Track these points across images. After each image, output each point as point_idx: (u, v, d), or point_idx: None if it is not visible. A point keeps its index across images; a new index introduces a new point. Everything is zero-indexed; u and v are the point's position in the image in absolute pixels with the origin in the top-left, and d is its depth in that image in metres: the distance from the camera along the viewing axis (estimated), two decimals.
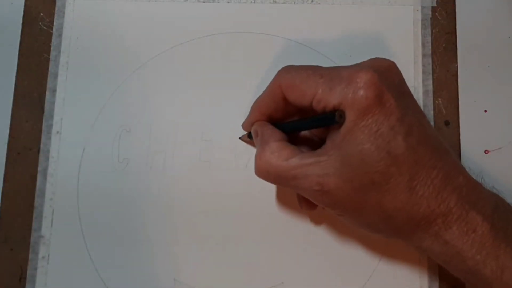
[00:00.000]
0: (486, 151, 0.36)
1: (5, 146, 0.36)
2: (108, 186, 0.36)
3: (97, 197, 0.36)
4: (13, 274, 0.35)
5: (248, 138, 0.35)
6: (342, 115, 0.28)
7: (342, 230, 0.35)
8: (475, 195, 0.29)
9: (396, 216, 0.28)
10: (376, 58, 0.30)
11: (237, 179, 0.36)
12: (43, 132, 0.36)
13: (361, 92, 0.27)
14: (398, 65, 0.38)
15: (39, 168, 0.36)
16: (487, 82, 0.37)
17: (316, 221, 0.35)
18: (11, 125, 0.37)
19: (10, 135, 0.36)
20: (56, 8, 0.38)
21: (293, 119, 0.33)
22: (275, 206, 0.35)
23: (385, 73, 0.28)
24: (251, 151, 0.36)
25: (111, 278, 0.35)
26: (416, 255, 0.35)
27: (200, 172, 0.36)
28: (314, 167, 0.28)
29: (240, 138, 0.36)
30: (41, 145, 0.36)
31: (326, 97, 0.28)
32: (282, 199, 0.35)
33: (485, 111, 0.37)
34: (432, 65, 0.37)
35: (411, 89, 0.36)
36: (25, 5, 0.38)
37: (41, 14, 0.38)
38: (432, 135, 0.29)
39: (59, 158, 0.36)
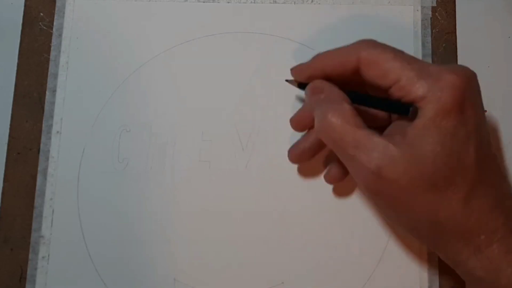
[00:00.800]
0: None
1: (5, 146, 0.36)
2: (108, 186, 0.36)
3: (97, 197, 0.36)
4: (13, 274, 0.35)
5: (298, 87, 0.33)
6: (416, 112, 0.27)
7: (342, 230, 0.35)
8: None
9: (444, 224, 0.28)
10: (460, 65, 0.29)
11: (237, 179, 0.36)
12: (43, 132, 0.36)
13: (448, 93, 0.27)
14: None
15: (39, 168, 0.36)
16: (487, 82, 0.37)
17: (339, 193, 0.35)
18: (11, 125, 0.37)
19: (10, 135, 0.36)
20: (56, 8, 0.38)
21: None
22: (275, 206, 0.35)
23: (470, 82, 0.28)
24: (251, 151, 0.36)
25: (111, 278, 0.35)
26: (416, 255, 0.35)
27: (200, 172, 0.36)
28: (380, 148, 0.27)
29: (287, 80, 0.34)
30: (41, 145, 0.36)
31: (410, 86, 0.28)
32: (282, 199, 0.35)
33: (485, 111, 0.37)
34: None
35: None
36: (25, 5, 0.38)
37: (41, 14, 0.38)
38: (494, 155, 0.29)
39: (59, 158, 0.36)
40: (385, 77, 0.28)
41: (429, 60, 0.37)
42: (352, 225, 0.35)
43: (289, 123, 0.35)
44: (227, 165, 0.36)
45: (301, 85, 0.33)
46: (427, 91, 0.27)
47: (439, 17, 0.38)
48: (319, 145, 0.33)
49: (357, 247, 0.35)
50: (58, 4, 0.38)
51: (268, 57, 0.37)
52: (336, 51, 0.31)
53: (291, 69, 0.34)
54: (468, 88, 0.28)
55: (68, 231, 0.35)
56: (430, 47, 0.38)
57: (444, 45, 0.38)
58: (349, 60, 0.30)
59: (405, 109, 0.28)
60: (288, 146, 0.35)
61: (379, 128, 0.30)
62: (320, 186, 0.35)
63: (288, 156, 0.35)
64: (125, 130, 0.37)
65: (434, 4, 0.38)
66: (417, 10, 0.38)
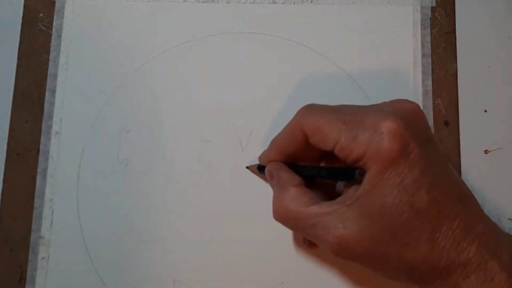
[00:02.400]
0: (486, 151, 0.36)
1: (5, 147, 0.36)
2: (108, 187, 0.36)
3: (97, 198, 0.35)
4: (13, 274, 0.35)
5: (258, 170, 0.34)
6: (362, 175, 0.27)
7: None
8: (494, 242, 0.28)
9: (417, 267, 0.28)
10: (400, 100, 0.29)
11: (237, 179, 0.36)
12: (42, 133, 0.36)
13: (386, 144, 0.26)
14: (398, 66, 0.38)
15: (39, 169, 0.36)
16: (487, 82, 0.37)
17: (318, 256, 0.35)
18: (10, 125, 0.37)
19: (9, 135, 0.36)
20: (56, 9, 0.38)
21: (314, 159, 0.32)
22: None
23: (410, 120, 0.27)
24: (251, 151, 0.36)
25: (111, 279, 0.34)
26: None
27: (200, 172, 0.36)
28: (333, 217, 0.27)
29: (247, 167, 0.36)
30: (41, 146, 0.36)
31: (349, 146, 0.27)
32: None
33: (485, 111, 0.37)
34: (431, 65, 0.37)
35: (411, 90, 0.37)
36: (24, 6, 0.38)
37: (41, 14, 0.38)
38: (456, 185, 0.29)
39: (59, 158, 0.36)
40: (326, 141, 0.28)
41: (429, 60, 0.37)
42: None
43: None
44: (227, 165, 0.36)
45: (260, 168, 0.34)
46: (365, 148, 0.27)
47: (438, 17, 0.38)
48: None
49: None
50: (57, 4, 0.38)
51: (268, 57, 0.37)
52: (284, 130, 0.32)
53: (259, 157, 0.34)
54: (409, 127, 0.27)
55: (67, 232, 0.35)
56: (429, 47, 0.38)
57: (443, 45, 0.38)
58: (296, 134, 0.30)
59: (351, 174, 0.28)
60: None
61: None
62: None
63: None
64: (124, 130, 0.36)
65: (434, 4, 0.38)
66: (417, 10, 0.38)
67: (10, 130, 0.37)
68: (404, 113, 0.28)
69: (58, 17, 0.38)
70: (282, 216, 0.30)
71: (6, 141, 0.36)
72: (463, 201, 0.28)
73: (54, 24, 0.38)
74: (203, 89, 0.37)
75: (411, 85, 0.37)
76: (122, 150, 0.36)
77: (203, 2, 0.38)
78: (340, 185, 0.32)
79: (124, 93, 0.37)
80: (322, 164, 0.32)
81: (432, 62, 0.38)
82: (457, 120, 0.37)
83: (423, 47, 0.38)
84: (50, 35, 0.38)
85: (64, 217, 0.35)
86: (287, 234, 0.35)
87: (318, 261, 0.35)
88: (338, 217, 0.27)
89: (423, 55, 0.37)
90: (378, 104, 0.30)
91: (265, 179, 0.35)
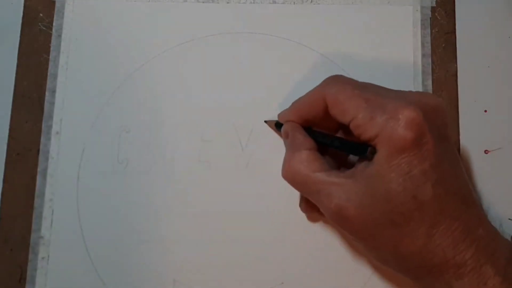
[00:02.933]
0: (486, 151, 0.36)
1: (5, 147, 0.36)
2: (108, 187, 0.36)
3: (97, 198, 0.35)
4: (13, 274, 0.35)
5: (275, 126, 0.35)
6: (374, 153, 0.27)
7: (342, 230, 0.35)
8: (492, 246, 0.28)
9: (409, 259, 0.28)
10: (426, 93, 0.30)
11: (237, 179, 0.36)
12: (42, 133, 0.36)
13: (401, 131, 0.27)
14: (398, 65, 0.38)
15: (39, 169, 0.36)
16: (487, 82, 0.37)
17: (312, 220, 0.35)
18: (10, 125, 0.37)
19: (9, 135, 0.36)
20: (56, 9, 0.38)
21: (331, 128, 0.32)
22: (275, 206, 0.35)
23: (430, 113, 0.28)
24: (251, 151, 0.36)
25: (111, 279, 0.34)
26: None
27: (200, 172, 0.36)
28: (338, 188, 0.28)
29: (265, 121, 0.36)
30: (41, 146, 0.36)
31: (364, 124, 0.28)
32: (282, 199, 0.35)
33: (485, 111, 0.37)
34: (431, 65, 0.37)
35: (411, 90, 0.37)
36: (24, 6, 0.38)
37: (41, 14, 0.38)
38: (463, 185, 0.29)
39: (59, 158, 0.36)
40: (344, 115, 0.29)
41: (429, 60, 0.37)
42: None
43: None
44: (227, 165, 0.36)
45: (277, 125, 0.35)
46: (379, 130, 0.27)
47: (438, 17, 0.38)
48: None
49: (357, 247, 0.35)
50: (57, 4, 0.38)
51: (268, 57, 0.37)
52: (307, 95, 0.32)
53: (278, 114, 0.35)
54: (428, 120, 0.27)
55: (67, 232, 0.35)
56: (429, 47, 0.38)
57: (443, 45, 0.38)
58: (317, 101, 0.31)
59: (363, 150, 0.28)
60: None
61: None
62: None
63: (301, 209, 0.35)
64: (124, 130, 0.36)
65: (434, 4, 0.38)
66: (417, 10, 0.38)
67: (10, 130, 0.37)
68: (426, 105, 0.28)
69: (58, 17, 0.38)
70: (290, 176, 0.31)
71: (6, 141, 0.36)
72: (467, 203, 0.28)
73: (54, 24, 0.38)
74: (203, 89, 0.37)
75: (411, 85, 0.37)
76: (122, 150, 0.36)
77: (203, 2, 0.38)
78: (353, 157, 0.33)
79: (124, 93, 0.37)
80: (338, 135, 0.33)
81: (432, 62, 0.38)
82: (457, 120, 0.37)
83: (423, 47, 0.38)
84: (50, 35, 0.38)
85: (64, 217, 0.35)
86: (287, 234, 0.35)
87: (318, 261, 0.35)
88: (343, 189, 0.28)
89: (423, 55, 0.37)
90: (404, 91, 0.30)
91: (281, 136, 0.35)
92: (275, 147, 0.36)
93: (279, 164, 0.36)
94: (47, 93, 0.37)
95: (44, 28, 0.38)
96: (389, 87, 0.37)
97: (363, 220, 0.28)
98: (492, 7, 0.38)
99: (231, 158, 0.36)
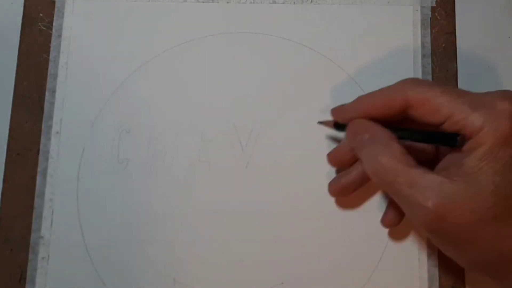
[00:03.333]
0: None
1: (5, 147, 0.36)
2: (108, 187, 0.36)
3: (97, 198, 0.35)
4: (13, 274, 0.35)
5: (334, 126, 0.33)
6: (464, 140, 0.27)
7: (342, 230, 0.35)
8: None
9: (509, 255, 0.27)
10: (508, 91, 0.29)
11: (237, 179, 0.36)
12: (42, 133, 0.36)
13: (504, 121, 0.26)
14: (398, 65, 0.38)
15: (39, 169, 0.36)
16: (487, 82, 0.37)
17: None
18: (10, 125, 0.37)
19: (9, 135, 0.36)
20: (56, 9, 0.38)
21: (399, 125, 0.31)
22: (275, 206, 0.35)
23: None
24: (251, 151, 0.36)
25: (111, 279, 0.34)
26: (415, 255, 0.35)
27: (200, 172, 0.36)
28: (436, 185, 0.27)
29: (320, 122, 0.35)
30: (41, 146, 0.36)
31: (464, 119, 0.27)
32: (282, 199, 0.35)
33: None
34: (431, 65, 0.37)
35: None
36: (24, 6, 0.38)
37: (41, 14, 0.38)
38: None
39: (59, 158, 0.36)
40: (437, 113, 0.28)
41: (429, 60, 0.37)
42: (352, 225, 0.35)
43: (289, 123, 0.36)
44: (227, 165, 0.36)
45: (338, 125, 0.33)
46: (483, 122, 0.27)
47: (438, 17, 0.38)
48: (361, 181, 0.33)
49: (357, 247, 0.35)
50: (57, 4, 0.38)
51: (267, 57, 0.37)
52: (380, 93, 0.31)
53: (332, 110, 0.33)
54: None
55: (67, 232, 0.35)
56: (429, 47, 0.38)
57: (443, 45, 0.38)
58: (395, 101, 0.29)
59: (452, 139, 0.27)
60: (287, 146, 0.35)
61: (426, 163, 0.29)
62: (320, 186, 0.35)
63: (329, 190, 0.34)
64: (124, 130, 0.36)
65: (434, 4, 0.38)
66: (417, 10, 0.38)
67: (10, 130, 0.37)
68: None
69: (58, 17, 0.38)
70: (382, 172, 0.28)
71: (6, 141, 0.36)
72: None
73: (54, 24, 0.38)
74: (203, 89, 0.37)
75: None
76: (122, 150, 0.36)
77: (203, 2, 0.38)
78: (431, 151, 0.32)
79: (124, 93, 0.37)
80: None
81: (432, 62, 0.37)
82: None
83: (423, 47, 0.38)
84: (50, 35, 0.38)
85: (64, 217, 0.35)
86: (287, 234, 0.35)
87: (318, 261, 0.35)
88: (441, 187, 0.27)
89: (423, 55, 0.37)
90: (488, 92, 0.29)
91: (335, 134, 0.34)
92: (275, 147, 0.36)
93: (279, 164, 0.36)
94: (47, 93, 0.37)
95: (44, 28, 0.38)
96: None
97: (462, 219, 0.26)
98: (492, 7, 0.38)
99: (231, 158, 0.36)
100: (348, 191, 0.34)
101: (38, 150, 0.36)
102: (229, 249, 0.35)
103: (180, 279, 0.35)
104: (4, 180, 0.36)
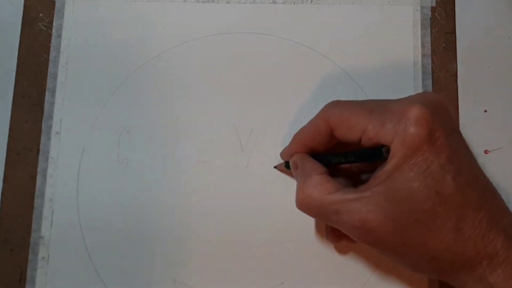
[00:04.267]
0: (486, 151, 0.36)
1: (5, 147, 0.36)
2: (108, 187, 0.36)
3: (97, 198, 0.35)
4: (13, 275, 0.35)
5: (285, 167, 0.35)
6: (388, 151, 0.27)
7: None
8: None
9: (440, 257, 0.28)
10: (426, 92, 0.30)
11: (237, 180, 0.36)
12: (42, 133, 0.36)
13: (413, 129, 0.27)
14: (398, 65, 0.38)
15: (39, 169, 0.36)
16: (487, 82, 0.37)
17: (341, 251, 0.35)
18: (10, 125, 0.37)
19: (9, 135, 0.36)
20: (56, 9, 0.38)
21: (334, 151, 0.32)
22: (275, 207, 0.35)
23: (436, 109, 0.28)
24: (251, 151, 0.36)
25: (111, 279, 0.34)
26: None
27: (200, 172, 0.36)
28: (357, 202, 0.28)
29: (275, 167, 0.36)
30: (41, 146, 0.36)
31: (377, 133, 0.28)
32: (282, 199, 0.35)
33: (485, 111, 0.37)
34: (431, 65, 0.37)
35: (411, 90, 0.37)
36: (24, 6, 0.38)
37: (41, 14, 0.38)
38: (480, 175, 0.29)
39: (59, 158, 0.36)
40: (353, 131, 0.29)
41: (429, 60, 0.37)
42: None
43: (289, 124, 0.36)
44: (227, 165, 0.36)
45: (287, 166, 0.34)
46: (393, 133, 0.27)
47: (438, 17, 0.38)
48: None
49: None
50: (57, 4, 0.38)
51: (267, 57, 0.37)
52: (309, 124, 0.32)
53: (280, 154, 0.35)
54: (435, 116, 0.27)
55: (67, 232, 0.35)
56: (429, 47, 0.38)
57: (443, 45, 0.38)
58: (321, 127, 0.31)
59: (379, 152, 0.28)
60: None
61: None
62: None
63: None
64: (124, 130, 0.36)
65: (434, 4, 0.38)
66: (417, 10, 0.38)
67: (10, 130, 0.37)
68: (430, 102, 0.28)
69: (58, 17, 0.38)
70: (305, 204, 0.30)
71: (6, 141, 0.36)
72: (487, 193, 0.28)
73: (54, 24, 0.38)
74: (203, 89, 0.37)
75: (411, 85, 0.37)
76: (122, 150, 0.36)
77: (203, 2, 0.38)
78: (365, 176, 0.33)
79: (124, 93, 0.37)
80: None
81: (432, 62, 0.38)
82: (457, 120, 0.37)
83: (423, 47, 0.38)
84: (50, 35, 0.38)
85: (64, 217, 0.35)
86: (287, 234, 0.35)
87: (318, 261, 0.35)
88: (362, 202, 0.28)
89: (423, 55, 0.37)
90: (403, 97, 0.30)
91: (292, 176, 0.35)
92: (275, 147, 0.36)
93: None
94: (47, 93, 0.37)
95: (44, 28, 0.38)
96: (389, 87, 0.37)
97: (389, 228, 0.27)
98: (492, 7, 0.38)
99: (231, 158, 0.36)
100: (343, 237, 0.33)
101: (38, 150, 0.36)
102: (229, 249, 0.35)
103: (180, 279, 0.35)
104: (4, 180, 0.36)
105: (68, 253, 0.35)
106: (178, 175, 0.36)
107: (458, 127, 0.30)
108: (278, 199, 0.35)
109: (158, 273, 0.35)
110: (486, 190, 0.29)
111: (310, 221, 0.35)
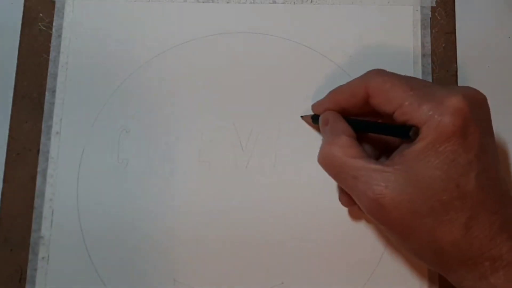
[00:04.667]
0: None
1: (5, 147, 0.36)
2: (108, 187, 0.36)
3: (97, 198, 0.35)
4: (13, 274, 0.35)
5: (312, 120, 0.35)
6: (417, 133, 0.27)
7: (342, 230, 0.35)
8: None
9: (445, 249, 0.28)
10: (470, 87, 0.29)
11: (237, 179, 0.36)
12: (42, 133, 0.36)
13: (448, 118, 0.27)
14: (398, 65, 0.38)
15: (39, 169, 0.36)
16: (487, 82, 0.37)
17: (354, 216, 0.35)
18: (10, 125, 0.37)
19: (9, 135, 0.36)
20: (56, 9, 0.38)
21: (365, 118, 0.32)
22: (275, 207, 0.35)
23: (476, 106, 0.28)
24: (251, 151, 0.36)
25: (111, 279, 0.34)
26: None
27: (200, 172, 0.36)
28: (377, 174, 0.28)
29: (302, 116, 0.36)
30: (41, 146, 0.36)
31: (412, 111, 0.28)
32: (282, 199, 0.35)
33: None
34: (431, 65, 0.37)
35: None
36: (24, 6, 0.38)
37: (41, 14, 0.38)
38: (502, 181, 0.29)
39: (59, 158, 0.36)
40: (389, 103, 0.29)
41: (429, 60, 0.37)
42: (352, 225, 0.35)
43: (289, 123, 0.36)
44: (227, 165, 0.36)
45: (314, 118, 0.35)
46: (428, 116, 0.27)
47: (438, 17, 0.38)
48: None
49: (357, 247, 0.35)
50: (57, 4, 0.38)
51: (267, 57, 0.37)
52: (347, 84, 0.32)
53: (312, 105, 0.35)
54: (474, 112, 0.27)
55: (67, 232, 0.35)
56: (429, 47, 0.38)
57: (443, 45, 0.38)
58: (358, 91, 0.31)
59: (406, 132, 0.28)
60: (288, 146, 0.35)
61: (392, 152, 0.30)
62: (320, 187, 0.35)
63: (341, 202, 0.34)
64: (124, 130, 0.36)
65: (434, 4, 0.38)
66: (417, 10, 0.38)
67: (10, 130, 0.37)
68: (473, 98, 0.28)
69: (58, 17, 0.38)
70: (327, 161, 0.30)
71: (6, 141, 0.36)
72: (505, 198, 0.28)
73: (54, 24, 0.38)
74: (203, 89, 0.37)
75: None
76: (122, 150, 0.36)
77: (203, 2, 0.38)
78: (392, 149, 0.32)
79: (124, 93, 0.37)
80: None
81: (432, 62, 0.37)
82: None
83: (423, 47, 0.38)
84: (50, 35, 0.38)
85: (64, 217, 0.35)
86: (287, 234, 0.35)
87: (318, 261, 0.35)
88: (382, 176, 0.28)
89: (423, 55, 0.37)
90: (448, 86, 0.30)
91: (317, 129, 0.35)
92: (275, 147, 0.36)
93: (279, 165, 0.36)
94: (47, 93, 0.37)
95: (44, 28, 0.38)
96: None
97: (402, 208, 0.27)
98: (492, 7, 0.38)
99: (231, 158, 0.36)
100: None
101: (38, 150, 0.36)
102: (229, 249, 0.35)
103: (180, 279, 0.35)
104: (4, 180, 0.36)
105: (68, 253, 0.35)
106: (178, 175, 0.36)
107: (492, 129, 0.30)
108: (278, 199, 0.35)
109: (158, 273, 0.35)
110: (505, 196, 0.28)
111: (311, 222, 0.35)
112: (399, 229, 0.28)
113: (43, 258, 0.35)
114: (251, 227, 0.35)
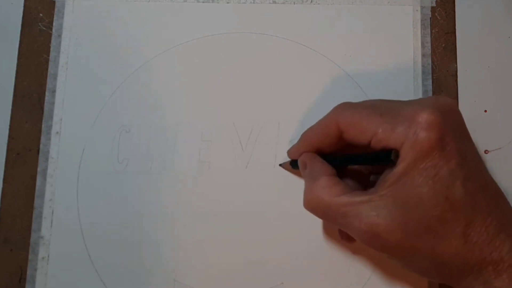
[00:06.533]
0: (486, 151, 0.36)
1: (5, 147, 0.36)
2: (108, 187, 0.36)
3: (97, 198, 0.35)
4: (13, 274, 0.35)
5: (291, 166, 0.35)
6: (397, 154, 0.27)
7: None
8: None
9: (449, 262, 0.28)
10: (438, 96, 0.29)
11: (237, 180, 0.36)
12: (42, 133, 0.36)
13: (423, 134, 0.27)
14: (398, 66, 0.38)
15: (39, 169, 0.36)
16: (487, 82, 0.37)
17: (355, 251, 0.35)
18: (10, 125, 0.37)
19: (9, 135, 0.36)
20: (56, 9, 0.38)
21: (342, 153, 0.32)
22: (275, 207, 0.35)
23: (447, 114, 0.28)
24: (251, 151, 0.36)
25: (111, 279, 0.34)
26: None
27: (200, 173, 0.36)
28: (365, 206, 0.28)
29: (280, 164, 0.36)
30: (41, 146, 0.36)
31: (387, 137, 0.28)
32: (282, 199, 0.35)
33: (485, 111, 0.37)
34: (431, 65, 0.37)
35: (411, 90, 0.37)
36: (24, 6, 0.38)
37: (41, 14, 0.38)
38: (489, 181, 0.29)
39: (59, 158, 0.36)
40: (363, 134, 0.29)
41: (429, 60, 0.37)
42: None
43: (289, 124, 0.36)
44: (227, 165, 0.36)
45: (293, 163, 0.34)
46: (403, 137, 0.27)
47: (438, 17, 0.38)
48: None
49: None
50: (57, 4, 0.38)
51: (267, 57, 0.37)
52: (317, 124, 0.32)
53: (288, 151, 0.35)
54: (446, 121, 0.27)
55: (67, 232, 0.35)
56: (429, 47, 0.38)
57: (443, 45, 0.38)
58: (330, 129, 0.30)
59: (387, 156, 0.28)
60: (288, 146, 0.35)
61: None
62: None
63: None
64: (124, 130, 0.36)
65: (434, 4, 0.38)
66: (417, 10, 0.38)
67: (10, 130, 0.37)
68: (441, 107, 0.28)
69: (58, 17, 0.38)
70: (313, 205, 0.30)
71: (6, 141, 0.36)
72: (496, 198, 0.28)
73: (54, 24, 0.38)
74: (203, 89, 0.37)
75: (411, 85, 0.37)
76: (122, 150, 0.36)
77: (203, 2, 0.38)
78: (374, 177, 0.33)
79: (124, 93, 0.37)
80: None
81: (432, 62, 0.38)
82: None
83: (423, 47, 0.38)
84: (50, 35, 0.38)
85: (64, 217, 0.35)
86: (287, 234, 0.35)
87: (318, 261, 0.35)
88: (371, 206, 0.28)
89: (423, 55, 0.37)
90: (414, 99, 0.30)
91: (299, 175, 0.35)
92: (275, 147, 0.36)
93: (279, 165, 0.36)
94: (47, 93, 0.37)
95: (44, 28, 0.38)
96: (389, 87, 0.37)
97: (397, 234, 0.27)
98: (492, 7, 0.38)
99: (231, 158, 0.36)
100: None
101: (38, 150, 0.36)
102: (229, 249, 0.35)
103: (180, 279, 0.35)
104: (4, 180, 0.36)
105: (68, 253, 0.35)
106: (178, 175, 0.36)
107: (468, 132, 0.30)
108: (278, 199, 0.35)
109: (158, 273, 0.35)
110: (495, 195, 0.29)
111: (310, 222, 0.35)
112: (399, 253, 0.28)
113: (43, 258, 0.35)
114: (251, 227, 0.35)
